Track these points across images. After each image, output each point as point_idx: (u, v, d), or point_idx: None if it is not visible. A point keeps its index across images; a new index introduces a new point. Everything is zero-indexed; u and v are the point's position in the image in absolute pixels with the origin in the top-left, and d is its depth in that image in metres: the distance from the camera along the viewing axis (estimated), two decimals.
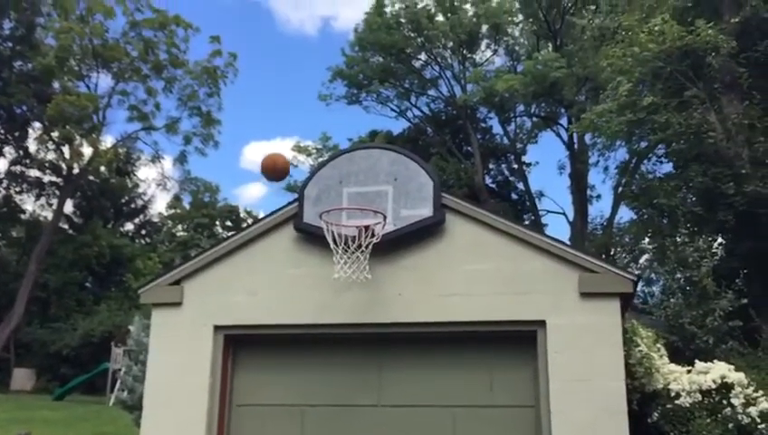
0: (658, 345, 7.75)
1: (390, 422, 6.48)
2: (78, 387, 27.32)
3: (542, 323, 6.08)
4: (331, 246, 6.22)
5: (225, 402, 6.82)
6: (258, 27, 66.32)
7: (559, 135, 34.16)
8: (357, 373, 6.66)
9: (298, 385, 6.76)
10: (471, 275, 6.35)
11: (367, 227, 6.26)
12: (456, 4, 33.99)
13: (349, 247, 6.20)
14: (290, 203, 6.96)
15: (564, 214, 33.56)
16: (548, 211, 35.54)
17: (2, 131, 36.81)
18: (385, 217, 6.30)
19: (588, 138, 28.93)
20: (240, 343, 6.98)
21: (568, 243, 6.44)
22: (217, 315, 6.84)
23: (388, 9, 34.60)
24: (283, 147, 76.81)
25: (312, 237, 6.62)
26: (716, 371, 7.44)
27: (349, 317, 6.50)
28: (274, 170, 6.60)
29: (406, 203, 6.47)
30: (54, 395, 26.12)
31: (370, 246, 6.21)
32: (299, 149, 39.06)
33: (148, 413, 6.79)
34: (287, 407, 6.74)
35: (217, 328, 6.82)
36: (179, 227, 46.58)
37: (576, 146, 32.25)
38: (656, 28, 17.37)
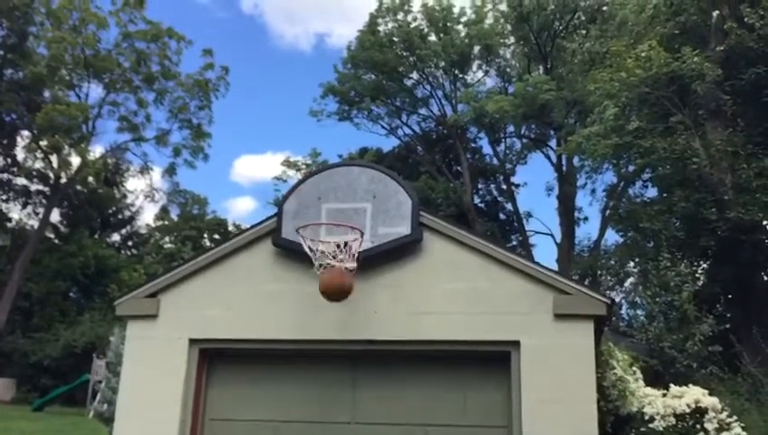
0: (634, 368, 7.75)
1: None
2: (58, 398, 26.98)
3: (516, 344, 6.10)
4: (309, 255, 6.19)
5: (199, 416, 6.76)
6: (252, 42, 66.51)
7: (548, 157, 34.42)
8: (331, 390, 6.64)
9: (272, 401, 6.72)
10: (447, 293, 6.36)
11: (345, 244, 6.26)
12: (448, 24, 34.28)
13: None
14: (269, 218, 6.95)
15: (552, 235, 33.71)
16: (536, 232, 35.65)
17: None
18: (362, 234, 6.32)
19: (576, 160, 29.19)
20: (215, 357, 6.95)
21: (543, 265, 6.46)
22: (193, 329, 6.80)
23: (381, 28, 34.88)
24: (273, 161, 76.91)
25: (291, 253, 6.62)
26: (691, 395, 7.45)
27: (324, 334, 6.49)
28: (340, 292, 6.12)
29: (384, 220, 6.49)
30: (33, 406, 25.78)
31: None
32: (289, 163, 39.04)
33: (119, 426, 6.74)
34: (261, 422, 6.70)
35: (193, 341, 6.79)
36: (167, 239, 46.33)
37: (564, 168, 32.48)
38: (643, 54, 17.61)
